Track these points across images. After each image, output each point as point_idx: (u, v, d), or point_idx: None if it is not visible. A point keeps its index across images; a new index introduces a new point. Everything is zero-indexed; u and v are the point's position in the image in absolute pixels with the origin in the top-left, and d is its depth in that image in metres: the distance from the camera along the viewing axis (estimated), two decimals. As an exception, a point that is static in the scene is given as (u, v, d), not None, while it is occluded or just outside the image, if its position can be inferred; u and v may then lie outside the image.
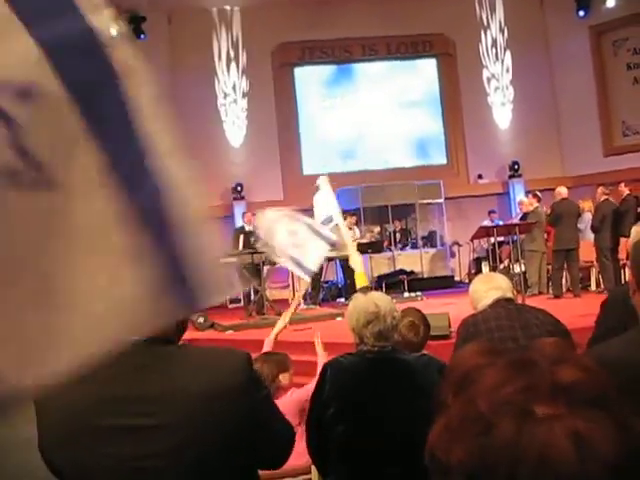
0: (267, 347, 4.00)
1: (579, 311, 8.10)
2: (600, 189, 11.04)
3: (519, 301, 8.18)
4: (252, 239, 9.88)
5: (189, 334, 8.66)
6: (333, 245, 7.36)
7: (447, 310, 7.42)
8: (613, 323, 2.17)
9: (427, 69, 17.25)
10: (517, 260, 10.04)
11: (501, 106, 16.98)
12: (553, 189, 11.20)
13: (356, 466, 2.57)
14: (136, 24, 15.06)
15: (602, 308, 3.03)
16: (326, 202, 6.43)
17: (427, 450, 0.77)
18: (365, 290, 4.08)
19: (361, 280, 4.48)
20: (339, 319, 8.96)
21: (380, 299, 2.76)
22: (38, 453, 1.60)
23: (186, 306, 1.15)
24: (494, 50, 17.02)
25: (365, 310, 2.70)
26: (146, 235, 1.14)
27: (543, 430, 0.68)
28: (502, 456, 0.68)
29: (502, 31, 17.01)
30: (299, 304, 3.95)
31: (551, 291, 10.70)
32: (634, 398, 1.67)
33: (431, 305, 10.24)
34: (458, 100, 16.90)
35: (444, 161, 16.98)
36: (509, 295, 3.30)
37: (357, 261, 4.77)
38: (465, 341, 3.23)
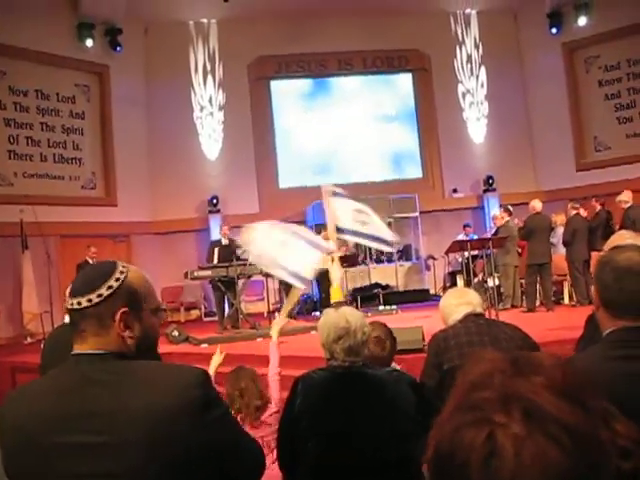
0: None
1: (551, 324, 8.19)
2: (570, 204, 11.19)
3: (492, 315, 8.27)
4: (239, 252, 9.85)
5: (164, 348, 8.62)
6: (328, 253, 7.43)
7: (422, 323, 7.43)
8: (598, 338, 2.20)
9: (403, 84, 17.40)
10: (490, 274, 10.12)
11: (476, 121, 17.16)
12: (527, 203, 11.31)
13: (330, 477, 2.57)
14: (112, 36, 15.03)
15: (587, 323, 3.08)
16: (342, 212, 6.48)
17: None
18: (339, 305, 4.10)
19: (336, 294, 4.49)
20: (314, 333, 8.93)
21: (351, 315, 2.78)
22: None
23: None
24: (469, 65, 17.23)
25: (336, 325, 2.72)
26: None
27: (474, 432, 0.74)
28: (445, 450, 0.77)
29: (477, 47, 17.24)
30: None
31: (524, 304, 10.79)
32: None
33: (406, 318, 10.28)
34: (433, 115, 17.05)
35: (419, 175, 17.11)
36: (479, 310, 3.34)
37: (335, 275, 4.78)
38: (436, 356, 3.26)
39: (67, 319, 3.24)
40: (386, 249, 7.05)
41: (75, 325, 1.60)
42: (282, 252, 6.14)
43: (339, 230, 6.40)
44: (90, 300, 1.57)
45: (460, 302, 3.35)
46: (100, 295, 1.58)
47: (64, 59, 14.45)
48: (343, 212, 6.69)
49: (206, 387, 1.60)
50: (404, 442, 2.48)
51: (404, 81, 17.39)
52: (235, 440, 1.71)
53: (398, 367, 3.38)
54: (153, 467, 1.48)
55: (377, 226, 6.99)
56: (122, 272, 1.63)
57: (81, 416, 1.50)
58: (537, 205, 10.87)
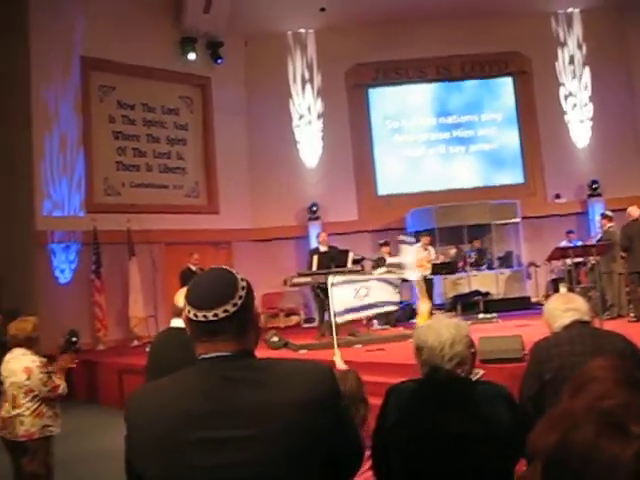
0: None
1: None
2: None
3: (596, 324, 7.99)
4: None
5: (263, 353, 8.75)
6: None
7: (522, 332, 7.26)
8: None
9: (503, 88, 17.08)
10: (595, 282, 9.78)
11: (579, 123, 16.64)
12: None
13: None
14: (214, 49, 15.50)
15: None
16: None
17: (529, 435, 0.88)
18: None
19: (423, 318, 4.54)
20: (412, 340, 8.88)
21: (447, 326, 2.75)
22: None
23: None
24: (571, 67, 16.73)
25: (431, 335, 2.70)
26: None
27: (618, 444, 0.75)
28: (575, 453, 0.78)
29: (580, 47, 16.73)
30: None
31: (632, 313, 10.37)
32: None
33: (506, 327, 10.07)
34: (535, 119, 16.65)
35: (521, 180, 16.74)
36: (586, 318, 3.22)
37: (424, 308, 4.87)
38: (537, 365, 3.17)
39: (176, 324, 3.36)
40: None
41: (209, 334, 1.66)
42: None
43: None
44: (227, 310, 1.64)
45: (568, 307, 3.24)
46: (235, 304, 1.66)
47: (168, 73, 14.97)
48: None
49: (335, 381, 1.72)
50: (496, 456, 2.46)
51: (504, 85, 17.07)
52: (350, 432, 1.83)
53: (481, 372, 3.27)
54: (289, 458, 1.57)
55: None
56: (242, 279, 1.72)
57: (227, 412, 1.58)
58: (634, 212, 10.43)
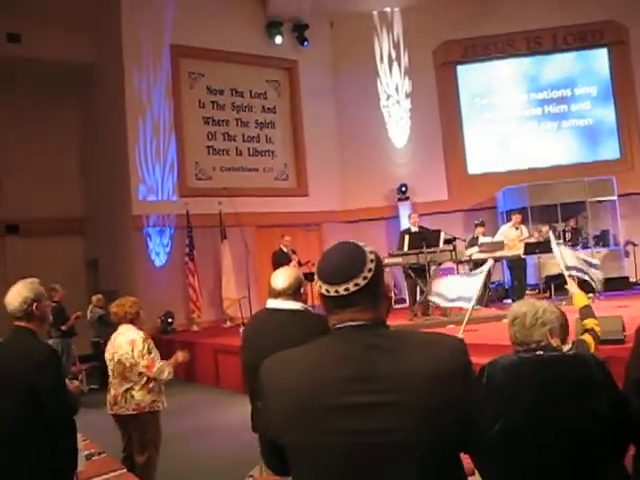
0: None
1: None
2: None
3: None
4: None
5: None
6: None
7: (622, 313, 7.03)
8: None
9: (598, 59, 16.44)
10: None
11: (683, 94, 15.84)
12: None
13: (516, 464, 2.54)
14: (300, 32, 15.57)
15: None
16: None
17: None
18: (587, 309, 4.12)
19: (580, 300, 4.43)
20: (505, 321, 8.74)
21: (539, 300, 2.76)
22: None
23: None
24: (673, 34, 15.92)
25: (524, 312, 2.71)
26: None
27: None
28: None
29: (683, 12, 15.88)
30: None
31: None
32: None
33: (604, 307, 9.76)
34: (632, 90, 15.93)
35: (617, 156, 16.12)
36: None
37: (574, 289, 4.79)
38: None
39: (271, 304, 3.41)
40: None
41: (341, 307, 1.69)
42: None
43: (568, 268, 6.66)
44: (357, 284, 1.66)
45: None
46: (365, 277, 1.67)
47: (256, 57, 15.14)
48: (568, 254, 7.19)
49: (468, 353, 1.71)
50: (594, 424, 2.45)
51: (599, 56, 16.42)
52: (480, 406, 1.85)
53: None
54: (428, 426, 1.58)
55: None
56: (371, 251, 1.73)
57: (367, 378, 1.60)
58: None
